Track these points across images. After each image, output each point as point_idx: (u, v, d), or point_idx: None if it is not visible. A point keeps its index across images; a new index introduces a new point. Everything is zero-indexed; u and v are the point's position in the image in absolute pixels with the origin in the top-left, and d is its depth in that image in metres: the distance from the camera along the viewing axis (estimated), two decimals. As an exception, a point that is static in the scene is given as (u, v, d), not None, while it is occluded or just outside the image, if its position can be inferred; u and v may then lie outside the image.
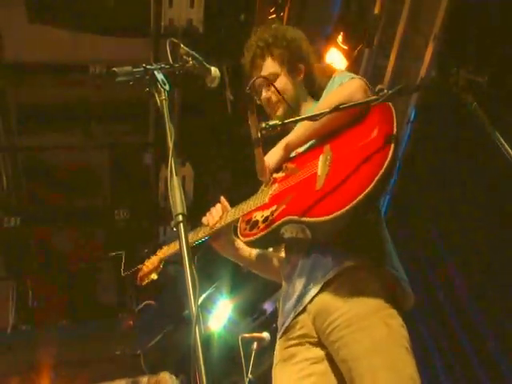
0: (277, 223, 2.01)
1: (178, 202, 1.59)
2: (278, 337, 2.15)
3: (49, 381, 6.73)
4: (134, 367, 6.96)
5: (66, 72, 5.45)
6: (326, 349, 2.00)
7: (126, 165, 6.58)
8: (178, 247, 2.26)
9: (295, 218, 1.96)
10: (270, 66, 2.47)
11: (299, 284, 2.07)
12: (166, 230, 6.77)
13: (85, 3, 4.95)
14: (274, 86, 2.36)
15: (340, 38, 5.31)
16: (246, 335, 4.44)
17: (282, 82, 2.45)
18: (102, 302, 7.80)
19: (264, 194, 2.20)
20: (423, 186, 5.36)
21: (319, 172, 2.08)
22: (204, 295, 6.29)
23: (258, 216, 2.11)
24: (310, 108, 2.43)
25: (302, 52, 2.53)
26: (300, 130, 2.26)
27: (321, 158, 2.13)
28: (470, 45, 4.42)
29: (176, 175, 1.64)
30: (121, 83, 1.86)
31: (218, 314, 6.61)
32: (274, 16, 5.31)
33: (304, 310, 2.04)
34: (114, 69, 1.85)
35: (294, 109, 2.39)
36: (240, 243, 2.34)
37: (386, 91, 2.07)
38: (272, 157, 2.25)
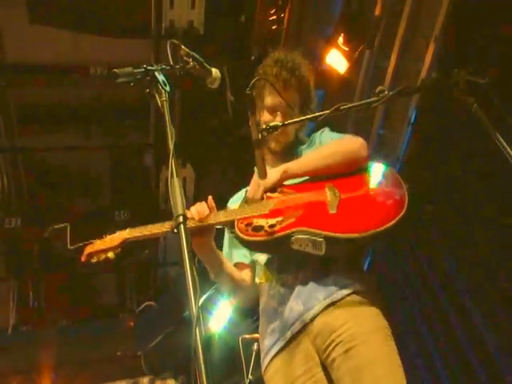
0: (292, 229, 2.01)
1: (178, 203, 1.59)
2: (271, 356, 2.13)
3: (49, 381, 6.73)
4: (135, 368, 6.95)
5: (67, 73, 5.44)
6: (325, 370, 2.04)
7: (127, 166, 6.57)
8: (147, 232, 2.21)
9: (321, 231, 1.97)
10: (294, 98, 2.45)
11: (296, 303, 2.09)
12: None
13: (86, 4, 4.95)
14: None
15: (341, 40, 5.31)
16: (247, 336, 4.44)
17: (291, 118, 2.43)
18: (103, 303, 7.80)
19: (262, 206, 2.18)
20: (424, 186, 5.36)
21: (329, 198, 2.12)
22: (204, 296, 6.28)
23: (262, 222, 2.09)
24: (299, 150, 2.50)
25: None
26: (303, 162, 2.30)
27: (327, 189, 2.17)
28: (471, 46, 4.42)
29: (176, 176, 1.64)
30: (121, 84, 1.86)
31: (219, 315, 6.60)
32: (274, 17, 5.31)
33: (303, 328, 2.06)
34: (115, 70, 1.85)
35: (285, 149, 2.47)
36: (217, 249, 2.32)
37: (386, 92, 2.08)
38: (268, 178, 2.24)
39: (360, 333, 1.97)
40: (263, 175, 2.20)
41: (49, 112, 5.84)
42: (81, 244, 2.25)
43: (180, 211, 1.57)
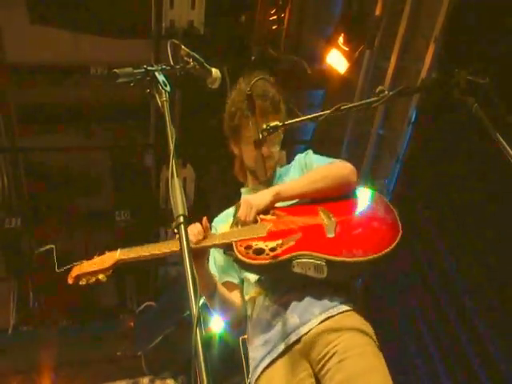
0: (295, 253, 2.01)
1: (178, 204, 1.58)
2: (263, 367, 2.14)
3: (49, 381, 6.73)
4: (135, 368, 6.96)
5: (67, 73, 5.44)
6: (318, 382, 2.05)
7: (127, 166, 6.57)
8: (141, 254, 2.12)
9: (323, 254, 1.98)
10: (272, 121, 2.39)
11: (292, 317, 2.10)
12: (167, 231, 6.77)
13: (86, 4, 4.95)
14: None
15: (341, 40, 5.32)
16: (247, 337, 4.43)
17: (276, 143, 2.48)
18: (103, 303, 7.80)
19: (258, 228, 2.16)
20: (424, 186, 5.36)
21: (325, 222, 2.14)
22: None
23: (261, 245, 2.08)
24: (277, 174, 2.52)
25: None
26: (295, 184, 2.31)
27: (321, 212, 2.19)
28: (471, 46, 4.42)
29: (177, 176, 1.63)
30: (122, 84, 1.86)
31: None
32: (274, 17, 5.31)
33: (298, 340, 2.08)
34: (115, 70, 1.85)
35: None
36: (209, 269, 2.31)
37: (386, 92, 2.08)
38: (261, 200, 2.23)
39: (354, 345, 2.00)
40: (263, 175, 2.20)
41: (49, 112, 5.84)
42: (68, 266, 2.14)
43: (180, 211, 1.57)
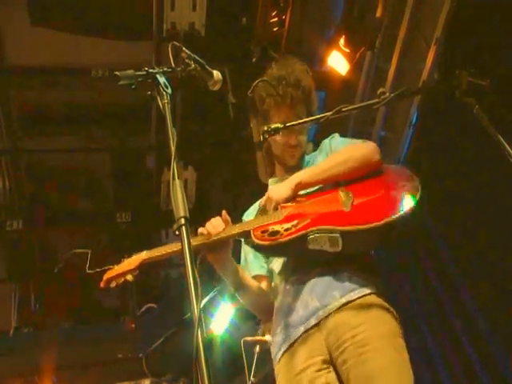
0: (308, 229, 2.02)
1: (180, 205, 1.58)
2: (282, 351, 2.13)
3: (51, 384, 6.73)
4: (136, 370, 6.95)
5: (68, 75, 5.45)
6: (334, 368, 2.03)
7: (128, 168, 6.57)
8: (164, 252, 2.17)
9: (336, 226, 1.98)
10: (302, 110, 2.43)
11: (312, 299, 2.10)
12: (168, 233, 6.77)
13: (87, 6, 4.96)
14: None
15: (342, 41, 5.32)
16: (249, 338, 4.43)
17: (304, 132, 2.47)
18: (104, 305, 7.79)
19: (276, 214, 2.17)
20: (424, 187, 5.35)
21: (343, 199, 2.13)
22: (206, 298, 6.28)
23: (277, 228, 2.09)
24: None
25: None
26: (316, 171, 2.28)
27: (340, 192, 2.18)
28: (473, 48, 4.43)
29: (178, 178, 1.63)
30: (123, 86, 1.86)
31: (220, 318, 6.60)
32: (275, 19, 5.31)
33: (317, 324, 2.06)
34: (116, 72, 1.85)
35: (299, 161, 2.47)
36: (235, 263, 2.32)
37: (388, 94, 2.08)
38: (282, 192, 2.22)
39: (376, 337, 1.97)
40: (264, 177, 2.20)
41: (50, 114, 5.84)
42: (98, 269, 2.26)
43: (181, 213, 1.57)
